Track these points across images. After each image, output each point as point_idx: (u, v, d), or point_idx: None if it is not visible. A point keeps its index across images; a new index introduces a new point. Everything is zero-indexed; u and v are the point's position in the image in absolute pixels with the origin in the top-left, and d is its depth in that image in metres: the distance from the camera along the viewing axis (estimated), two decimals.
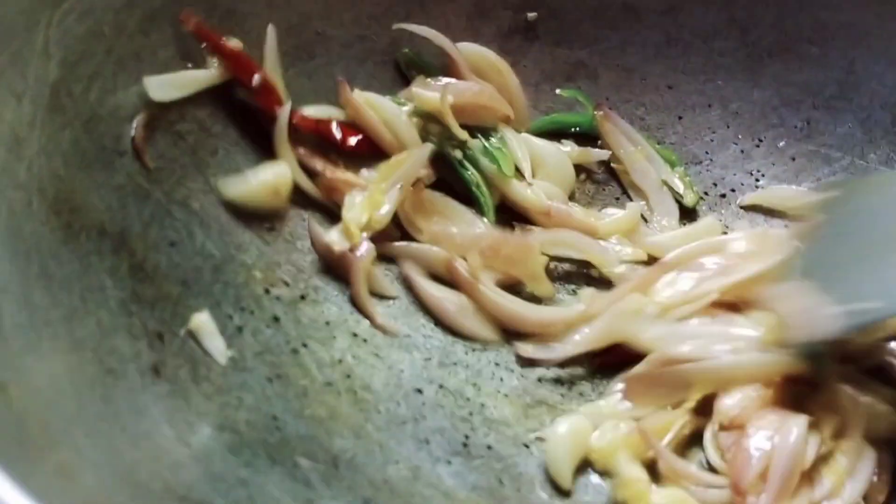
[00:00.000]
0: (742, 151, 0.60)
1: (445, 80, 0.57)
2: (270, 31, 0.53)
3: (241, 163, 0.50)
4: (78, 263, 0.37)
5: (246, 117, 0.52)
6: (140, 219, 0.43)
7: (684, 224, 0.56)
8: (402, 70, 0.58)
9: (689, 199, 0.57)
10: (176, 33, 0.50)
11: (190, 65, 0.50)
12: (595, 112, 0.58)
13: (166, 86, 0.48)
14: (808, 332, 0.45)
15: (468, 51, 0.59)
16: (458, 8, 0.61)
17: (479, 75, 0.58)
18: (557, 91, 0.60)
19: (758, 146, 0.60)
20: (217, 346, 0.41)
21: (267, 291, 0.46)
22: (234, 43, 0.50)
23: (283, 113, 0.50)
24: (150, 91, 0.47)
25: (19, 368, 0.28)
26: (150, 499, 0.30)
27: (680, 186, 0.57)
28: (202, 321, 0.41)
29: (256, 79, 0.50)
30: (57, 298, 0.34)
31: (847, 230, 0.46)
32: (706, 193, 0.59)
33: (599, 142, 0.59)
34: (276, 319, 0.45)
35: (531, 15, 0.61)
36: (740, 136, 0.60)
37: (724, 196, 0.59)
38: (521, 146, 0.57)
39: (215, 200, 0.47)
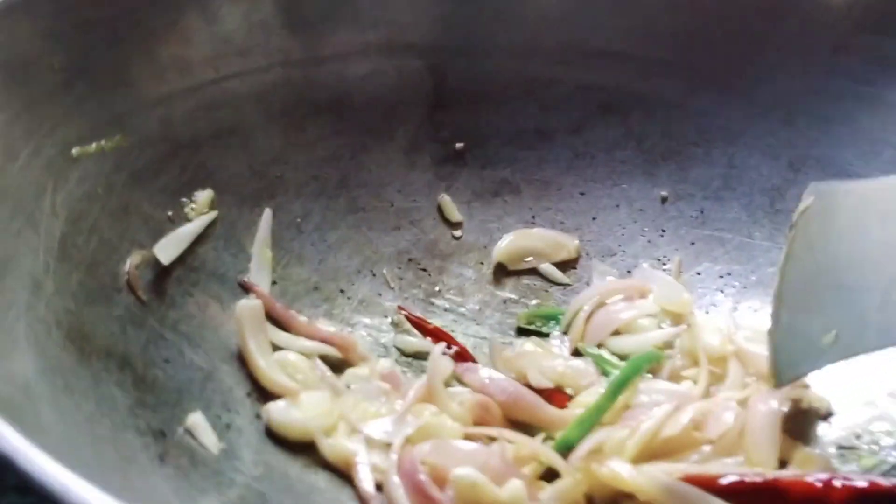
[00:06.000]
0: (649, 241, 0.69)
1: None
2: (266, 214, 0.63)
3: (219, 290, 0.59)
4: (91, 379, 0.45)
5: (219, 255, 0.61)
6: (138, 342, 0.51)
7: None
8: None
9: None
10: (157, 189, 0.59)
11: (170, 212, 0.59)
12: None
13: (171, 247, 0.56)
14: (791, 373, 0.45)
15: None
16: (395, 145, 0.71)
17: None
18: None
19: (661, 236, 0.69)
20: (210, 439, 0.48)
21: (249, 395, 0.54)
22: None
23: None
24: (161, 257, 0.55)
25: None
26: None
27: None
28: (196, 420, 0.48)
29: None
30: (78, 404, 0.42)
31: (823, 248, 0.42)
32: None
33: None
34: (258, 417, 0.53)
35: (459, 145, 0.71)
36: (646, 229, 0.69)
37: None
38: None
39: (200, 322, 0.56)
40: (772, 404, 0.52)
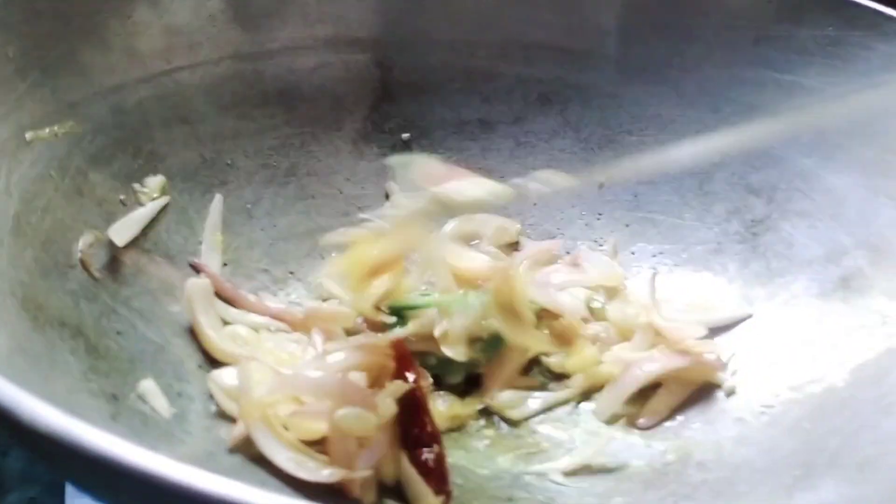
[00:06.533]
0: (587, 224, 0.73)
1: None
2: (217, 200, 0.65)
3: (170, 270, 0.61)
4: (46, 344, 0.47)
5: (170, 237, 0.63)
6: (91, 315, 0.53)
7: None
8: None
9: None
10: (110, 174, 0.61)
11: (122, 196, 0.61)
12: None
13: (124, 229, 0.58)
14: None
15: None
16: (344, 135, 0.73)
17: None
18: None
19: (598, 219, 0.73)
20: (161, 404, 0.50)
21: (200, 367, 0.56)
22: None
23: None
24: (115, 239, 0.57)
25: None
26: None
27: None
28: (148, 387, 0.50)
29: None
30: (34, 365, 0.44)
31: None
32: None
33: None
34: None
35: (405, 135, 0.74)
36: (584, 213, 0.73)
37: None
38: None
39: (152, 300, 0.58)
40: (647, 369, 0.57)
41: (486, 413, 0.59)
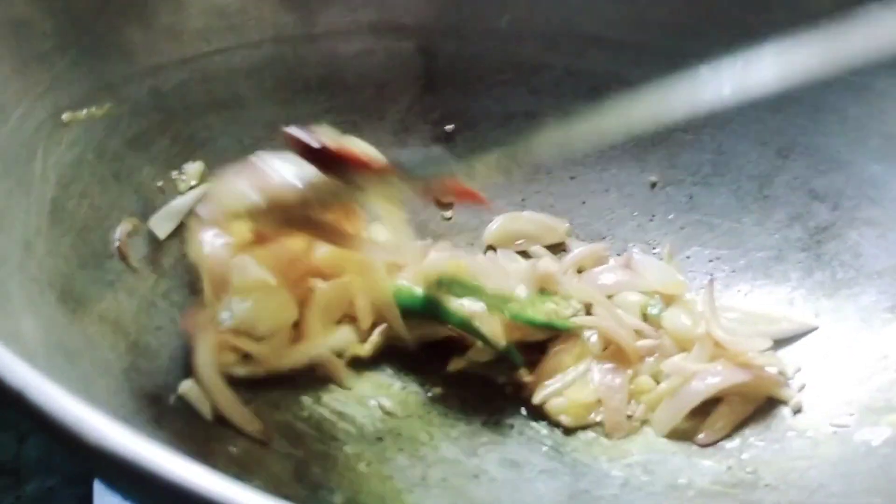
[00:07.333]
0: (639, 225, 0.69)
1: None
2: None
3: None
4: (85, 340, 0.44)
5: None
6: (130, 308, 0.50)
7: None
8: None
9: None
10: (147, 159, 0.59)
11: (160, 183, 0.58)
12: None
13: (165, 221, 0.56)
14: None
15: None
16: (386, 125, 0.71)
17: None
18: None
19: (651, 220, 0.69)
20: (204, 405, 0.47)
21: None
22: None
23: None
24: (157, 231, 0.55)
25: None
26: None
27: None
28: (189, 387, 0.48)
29: None
30: (74, 364, 0.41)
31: None
32: None
33: None
34: None
35: (448, 127, 0.71)
36: (636, 213, 0.70)
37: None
38: None
39: (190, 293, 0.55)
40: (709, 382, 0.55)
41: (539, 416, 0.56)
